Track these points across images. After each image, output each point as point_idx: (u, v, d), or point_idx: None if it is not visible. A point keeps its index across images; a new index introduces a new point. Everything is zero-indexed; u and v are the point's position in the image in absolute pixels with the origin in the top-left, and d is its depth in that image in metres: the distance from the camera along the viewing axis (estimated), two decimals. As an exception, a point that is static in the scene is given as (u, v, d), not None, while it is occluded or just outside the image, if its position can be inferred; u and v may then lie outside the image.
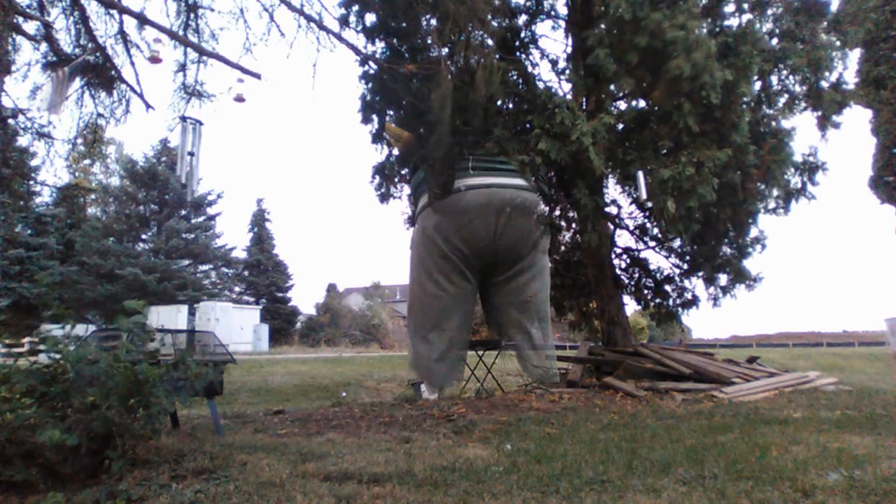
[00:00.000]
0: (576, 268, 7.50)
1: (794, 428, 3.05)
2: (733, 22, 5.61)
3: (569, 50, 6.30)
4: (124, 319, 2.18)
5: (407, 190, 6.80)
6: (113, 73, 5.01)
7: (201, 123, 5.15)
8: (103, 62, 4.90)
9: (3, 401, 1.94)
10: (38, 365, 2.06)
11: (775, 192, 5.80)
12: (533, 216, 1.85)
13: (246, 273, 30.80)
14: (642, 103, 5.30)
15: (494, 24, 5.00)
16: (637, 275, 7.50)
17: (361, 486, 1.90)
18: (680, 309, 7.20)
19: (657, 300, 7.36)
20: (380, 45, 5.76)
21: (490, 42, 4.95)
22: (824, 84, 5.64)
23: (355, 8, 5.50)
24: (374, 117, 6.21)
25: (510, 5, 6.05)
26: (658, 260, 7.39)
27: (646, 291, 7.43)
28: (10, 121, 5.13)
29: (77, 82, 4.23)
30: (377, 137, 6.33)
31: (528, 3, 6.40)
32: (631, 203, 6.97)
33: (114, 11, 4.84)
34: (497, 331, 1.86)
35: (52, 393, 1.95)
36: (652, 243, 7.29)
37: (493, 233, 1.78)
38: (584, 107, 5.35)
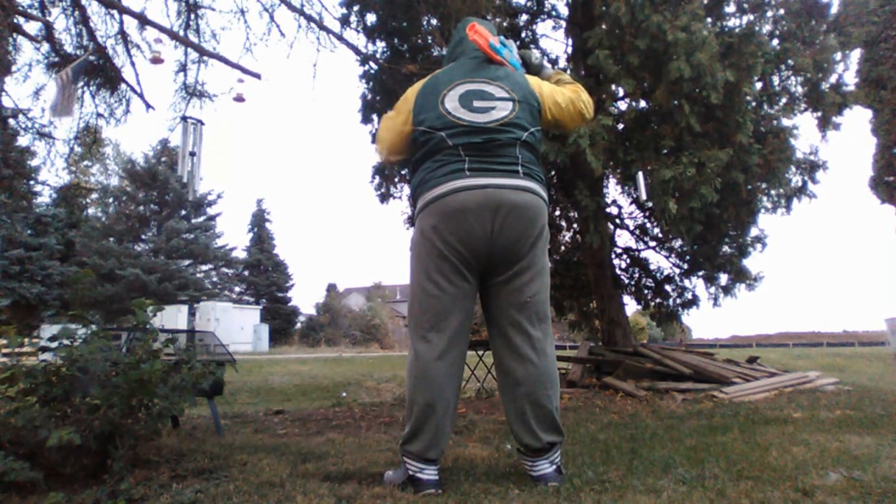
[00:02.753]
0: (576, 268, 7.51)
1: (794, 428, 3.05)
2: (734, 22, 5.61)
3: (569, 50, 6.31)
4: (143, 314, 2.19)
5: (407, 190, 6.80)
6: (113, 73, 5.02)
7: (202, 123, 5.16)
8: (104, 62, 4.90)
9: (6, 400, 1.95)
10: (42, 363, 2.06)
11: (780, 191, 5.79)
12: (531, 217, 1.85)
13: (246, 273, 30.77)
14: (643, 103, 5.30)
15: (495, 23, 4.99)
16: (637, 275, 7.51)
17: (361, 486, 1.90)
18: (680, 309, 7.21)
19: (657, 300, 7.37)
20: (380, 45, 5.77)
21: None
22: (825, 86, 5.63)
23: (356, 8, 5.50)
24: (374, 117, 6.22)
25: (511, 5, 6.06)
26: (658, 260, 7.41)
27: (646, 291, 7.44)
28: (11, 121, 5.13)
29: (80, 83, 4.23)
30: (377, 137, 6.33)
31: (529, 3, 6.41)
32: (631, 203, 6.98)
33: (114, 11, 4.84)
34: (496, 331, 1.84)
35: (53, 393, 1.95)
36: (652, 243, 7.29)
37: (489, 233, 1.77)
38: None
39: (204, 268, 27.24)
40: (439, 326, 2.01)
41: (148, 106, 5.10)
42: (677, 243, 6.91)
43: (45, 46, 4.82)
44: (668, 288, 7.28)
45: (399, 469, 1.96)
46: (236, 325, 22.07)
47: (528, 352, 2.04)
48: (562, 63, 6.42)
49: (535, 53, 2.48)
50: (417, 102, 2.14)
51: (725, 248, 6.51)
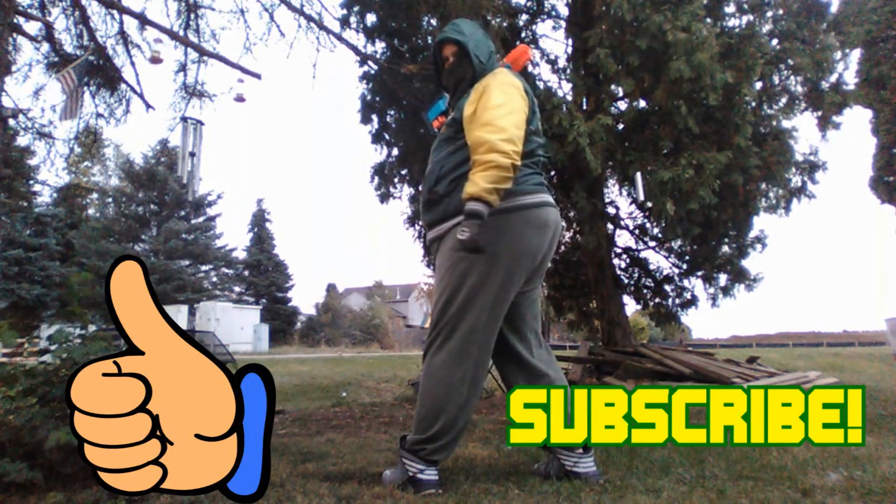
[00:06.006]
0: (575, 268, 7.50)
1: (794, 428, 3.05)
2: (734, 23, 5.61)
3: (569, 50, 6.30)
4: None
5: (407, 190, 6.79)
6: (113, 73, 5.02)
7: (202, 124, 5.16)
8: (104, 62, 4.90)
9: (5, 400, 1.94)
10: (42, 364, 2.06)
11: (779, 192, 5.79)
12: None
13: (246, 273, 30.74)
14: (643, 103, 5.30)
15: (495, 23, 5.00)
16: (637, 275, 7.51)
17: (361, 486, 1.90)
18: (679, 309, 7.21)
19: (657, 300, 7.36)
20: (380, 46, 5.77)
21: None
22: (825, 85, 5.63)
23: (356, 8, 5.50)
24: (374, 117, 6.21)
25: (511, 5, 6.05)
26: (658, 260, 7.41)
27: (646, 291, 7.44)
28: (11, 121, 5.13)
29: (82, 84, 4.24)
30: (377, 138, 6.33)
31: (529, 3, 6.40)
32: (631, 203, 6.98)
33: (114, 11, 4.84)
34: (516, 337, 1.84)
35: (53, 393, 1.95)
36: (652, 243, 7.29)
37: (547, 251, 1.77)
38: (584, 107, 5.35)
39: (204, 268, 27.24)
40: (493, 340, 2.01)
41: (148, 106, 5.10)
42: (676, 243, 6.90)
43: (45, 46, 4.82)
44: (667, 288, 7.27)
45: (397, 469, 1.96)
46: (236, 326, 22.07)
47: (548, 355, 2.14)
48: (561, 63, 6.42)
49: None
50: (529, 100, 2.03)
51: (725, 249, 6.50)
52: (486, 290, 1.91)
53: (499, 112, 1.85)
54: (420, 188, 6.59)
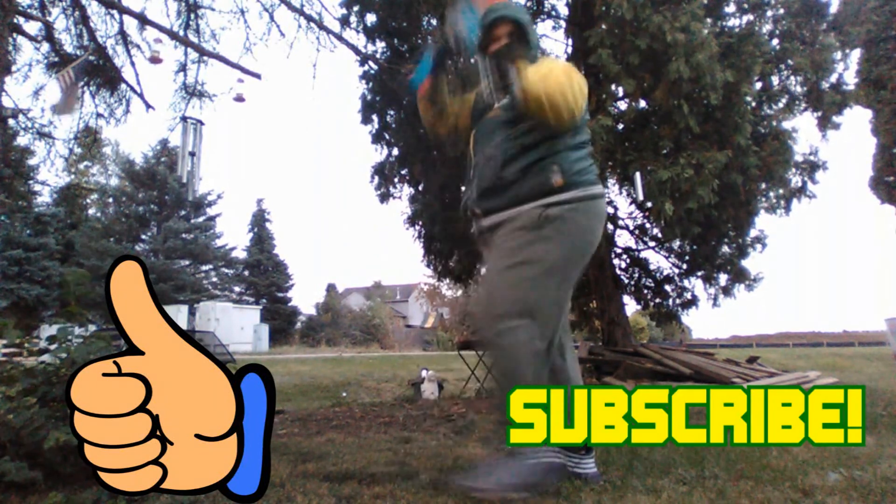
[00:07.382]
0: (576, 268, 7.50)
1: (794, 428, 3.05)
2: (734, 22, 5.61)
3: (569, 50, 6.30)
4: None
5: (407, 190, 6.78)
6: (113, 73, 5.02)
7: (202, 123, 5.16)
8: (104, 62, 4.90)
9: (5, 400, 1.94)
10: (42, 364, 2.06)
11: (779, 192, 5.79)
12: None
13: (246, 273, 30.71)
14: (643, 103, 5.30)
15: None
16: (637, 275, 7.51)
17: (361, 486, 1.90)
18: (679, 309, 7.21)
19: (657, 300, 7.36)
20: (380, 45, 5.77)
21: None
22: (825, 85, 5.64)
23: (356, 8, 5.50)
24: (375, 117, 6.22)
25: (510, 5, 6.05)
26: (658, 260, 7.41)
27: (646, 291, 7.44)
28: (11, 121, 5.13)
29: (82, 83, 4.24)
30: (377, 137, 6.33)
31: (529, 3, 6.40)
32: (631, 203, 6.98)
33: (114, 11, 4.84)
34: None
35: (53, 393, 1.95)
36: (652, 243, 7.29)
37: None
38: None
39: (204, 268, 27.25)
40: (559, 324, 1.93)
41: (148, 106, 5.10)
42: (677, 244, 6.91)
43: (45, 46, 4.82)
44: (667, 288, 7.27)
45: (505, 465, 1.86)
46: (236, 326, 22.07)
47: (573, 356, 2.09)
48: (562, 63, 6.42)
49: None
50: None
51: (725, 249, 6.51)
52: (555, 273, 1.84)
53: (568, 83, 1.77)
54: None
